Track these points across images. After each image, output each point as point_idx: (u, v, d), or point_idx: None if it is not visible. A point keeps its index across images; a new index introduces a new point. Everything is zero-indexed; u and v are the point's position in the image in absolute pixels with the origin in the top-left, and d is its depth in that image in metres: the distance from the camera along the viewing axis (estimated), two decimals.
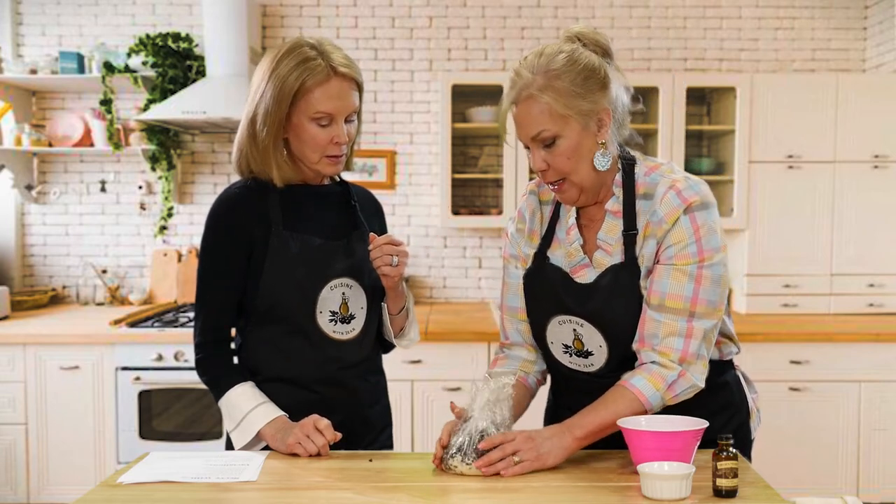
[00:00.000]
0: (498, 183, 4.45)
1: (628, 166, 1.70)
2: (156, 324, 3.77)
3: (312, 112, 1.74)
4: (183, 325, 3.74)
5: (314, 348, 1.82)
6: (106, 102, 4.19)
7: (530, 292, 1.79)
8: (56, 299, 4.52)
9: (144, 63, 4.20)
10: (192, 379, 3.64)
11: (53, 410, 3.70)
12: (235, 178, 1.90)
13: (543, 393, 1.93)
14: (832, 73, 4.34)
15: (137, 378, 3.67)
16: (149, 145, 4.25)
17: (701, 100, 4.44)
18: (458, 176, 4.26)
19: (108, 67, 4.13)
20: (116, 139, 4.24)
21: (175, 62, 4.22)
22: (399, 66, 4.49)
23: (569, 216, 1.76)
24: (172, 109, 3.88)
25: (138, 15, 4.47)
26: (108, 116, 4.22)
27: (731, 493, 1.43)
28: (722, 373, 1.79)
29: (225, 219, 1.81)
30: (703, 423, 1.54)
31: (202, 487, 1.54)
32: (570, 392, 1.82)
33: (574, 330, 1.71)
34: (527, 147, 1.68)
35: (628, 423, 1.56)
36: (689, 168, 4.13)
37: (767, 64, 4.50)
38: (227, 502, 1.48)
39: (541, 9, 4.47)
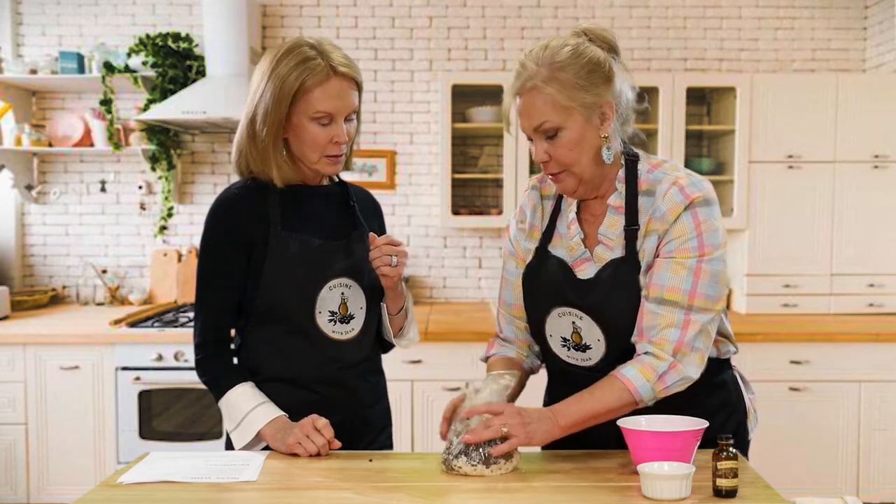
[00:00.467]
0: (498, 183, 4.45)
1: (631, 162, 1.71)
2: (156, 324, 3.77)
3: (312, 112, 1.74)
4: (183, 325, 3.74)
5: (314, 348, 1.82)
6: (106, 102, 4.19)
7: (531, 286, 1.80)
8: (56, 299, 4.52)
9: (144, 63, 4.20)
10: (192, 379, 3.64)
11: (53, 410, 3.70)
12: (235, 178, 1.90)
13: (539, 393, 1.93)
14: (832, 73, 4.34)
15: (137, 378, 3.67)
16: (149, 145, 4.25)
17: (701, 100, 4.44)
18: (458, 176, 4.26)
19: (108, 67, 4.13)
20: (116, 139, 4.24)
21: (175, 62, 4.22)
22: (399, 66, 4.49)
23: (570, 210, 1.77)
24: (172, 109, 3.88)
25: (138, 15, 4.47)
26: (108, 116, 4.22)
27: (731, 493, 1.43)
28: (719, 372, 1.79)
29: (224, 219, 1.81)
30: (703, 423, 1.55)
31: (202, 487, 1.54)
32: (567, 388, 1.82)
33: (573, 323, 1.72)
34: (530, 138, 1.69)
35: (628, 423, 1.56)
36: (688, 168, 4.12)
37: (767, 64, 4.50)
38: (227, 502, 1.48)
39: (541, 9, 4.47)
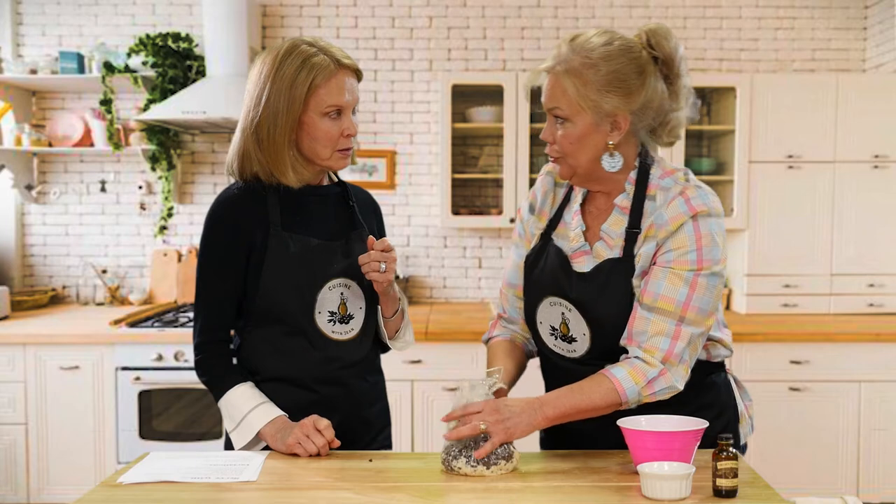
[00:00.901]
0: (498, 183, 4.45)
1: (645, 166, 1.71)
2: (156, 324, 3.77)
3: (324, 107, 1.75)
4: (183, 325, 3.74)
5: (313, 348, 1.82)
6: (106, 102, 4.19)
7: (530, 271, 1.81)
8: (56, 299, 4.52)
9: (144, 63, 4.21)
10: (192, 379, 3.64)
11: (53, 410, 3.70)
12: None
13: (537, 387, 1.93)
14: (832, 73, 4.34)
15: (137, 378, 3.67)
16: (149, 145, 4.25)
17: (701, 100, 4.44)
18: (458, 176, 4.26)
19: (108, 67, 4.13)
20: (116, 139, 4.24)
21: (175, 62, 4.22)
22: (399, 66, 4.49)
23: (575, 201, 1.78)
24: (172, 109, 3.88)
25: (138, 15, 4.47)
26: (108, 116, 4.22)
27: (731, 493, 1.43)
28: (709, 373, 1.79)
29: (224, 219, 1.81)
30: (703, 423, 1.55)
31: (202, 487, 1.54)
32: (553, 376, 1.83)
33: (562, 313, 1.72)
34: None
35: (628, 423, 1.56)
36: (688, 167, 4.12)
37: (767, 64, 4.50)
38: (227, 502, 1.48)
39: (541, 9, 4.47)
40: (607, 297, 1.67)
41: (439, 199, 4.27)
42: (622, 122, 1.64)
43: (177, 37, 4.27)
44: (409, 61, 4.49)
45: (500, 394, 1.73)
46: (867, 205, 4.08)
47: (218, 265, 1.81)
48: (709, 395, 1.78)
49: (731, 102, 4.13)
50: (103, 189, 4.51)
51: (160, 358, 3.68)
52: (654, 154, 1.75)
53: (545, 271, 1.76)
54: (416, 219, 4.53)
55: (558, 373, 1.79)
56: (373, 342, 1.95)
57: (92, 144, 4.36)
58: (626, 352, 1.66)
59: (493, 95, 4.21)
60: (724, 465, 1.43)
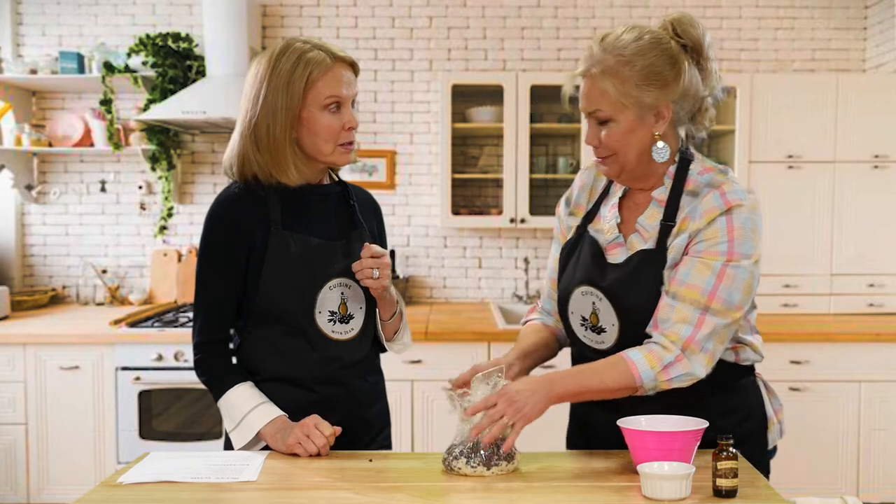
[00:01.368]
0: (498, 183, 4.44)
1: (685, 161, 1.72)
2: (156, 324, 3.77)
3: (322, 99, 1.75)
4: (183, 325, 3.74)
5: (313, 348, 1.82)
6: (106, 102, 4.19)
7: (565, 261, 1.83)
8: (56, 299, 4.52)
9: (144, 63, 4.21)
10: (192, 379, 3.64)
11: (53, 410, 3.70)
12: None
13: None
14: (832, 73, 4.34)
15: (137, 378, 3.67)
16: (149, 145, 4.25)
17: None
18: (458, 176, 4.26)
19: (108, 67, 4.13)
20: (116, 139, 4.24)
21: (175, 62, 4.22)
22: (399, 66, 4.49)
23: (615, 195, 1.80)
24: (172, 109, 3.88)
25: (138, 15, 4.47)
26: (108, 116, 4.22)
27: (731, 493, 1.43)
28: (738, 377, 1.78)
29: (224, 219, 1.81)
30: (702, 423, 1.55)
31: (202, 487, 1.54)
32: None
33: (593, 303, 1.73)
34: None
35: (628, 423, 1.56)
36: None
37: (767, 64, 4.50)
38: (227, 502, 1.48)
39: (541, 9, 4.47)
40: (638, 286, 1.67)
41: (439, 199, 4.27)
42: (665, 112, 1.65)
43: (177, 37, 4.27)
44: (409, 61, 4.49)
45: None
46: (867, 205, 4.08)
47: (218, 265, 1.81)
48: (735, 398, 1.77)
49: (731, 102, 4.13)
50: (103, 189, 4.51)
51: (160, 358, 3.68)
52: (692, 150, 1.76)
53: (579, 261, 1.77)
54: (416, 219, 4.52)
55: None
56: (372, 342, 1.95)
57: (92, 144, 4.36)
58: None
59: (493, 95, 4.21)
60: (724, 465, 1.43)
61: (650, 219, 1.71)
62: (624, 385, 1.60)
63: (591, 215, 1.83)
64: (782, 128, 4.08)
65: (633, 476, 1.54)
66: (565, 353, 2.00)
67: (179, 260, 4.48)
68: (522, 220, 4.17)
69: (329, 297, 1.81)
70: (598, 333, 1.74)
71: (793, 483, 3.56)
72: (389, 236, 3.96)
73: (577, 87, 1.73)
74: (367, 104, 4.44)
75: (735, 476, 1.43)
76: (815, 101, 4.06)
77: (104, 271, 4.50)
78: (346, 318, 1.84)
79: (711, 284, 1.60)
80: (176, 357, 3.67)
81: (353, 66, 1.82)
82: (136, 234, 4.52)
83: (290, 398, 1.81)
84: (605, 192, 1.84)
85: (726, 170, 1.73)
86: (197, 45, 4.33)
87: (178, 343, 3.65)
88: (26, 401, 3.70)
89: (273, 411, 1.77)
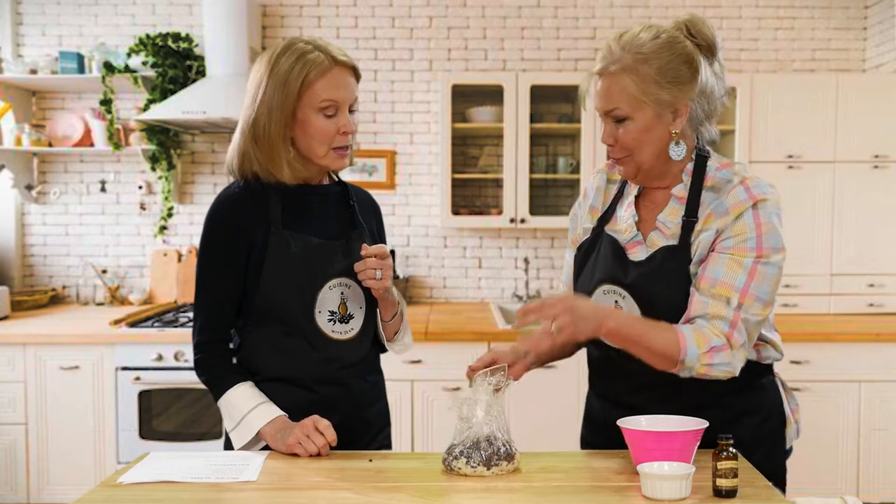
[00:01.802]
0: (498, 183, 4.44)
1: (702, 158, 1.73)
2: (156, 324, 3.77)
3: (318, 102, 1.75)
4: (183, 325, 3.74)
5: (313, 348, 1.81)
6: (106, 102, 4.19)
7: (582, 263, 1.83)
8: (56, 299, 4.52)
9: (144, 63, 4.21)
10: (192, 379, 3.63)
11: (53, 410, 3.70)
12: None
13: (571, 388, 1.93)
14: (832, 73, 4.34)
15: (137, 378, 3.67)
16: (149, 145, 4.25)
17: None
18: (458, 176, 4.26)
19: (108, 67, 4.13)
20: (116, 139, 4.24)
21: (175, 62, 4.22)
22: (399, 66, 4.49)
23: (630, 194, 1.80)
24: (172, 109, 3.88)
25: (138, 15, 4.47)
26: (108, 116, 4.22)
27: (731, 493, 1.43)
28: (759, 376, 1.79)
29: (224, 219, 1.81)
30: (702, 423, 1.55)
31: (202, 487, 1.54)
32: (602, 371, 1.83)
33: (616, 301, 1.73)
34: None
35: (628, 423, 1.56)
36: None
37: (767, 64, 4.50)
38: (227, 502, 1.48)
39: (541, 9, 4.47)
40: (663, 282, 1.67)
41: (439, 199, 4.27)
42: (682, 110, 1.66)
43: (177, 37, 4.27)
44: (409, 61, 4.49)
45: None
46: (867, 205, 4.08)
47: (218, 265, 1.81)
48: (756, 397, 1.78)
49: (731, 102, 4.13)
50: (103, 189, 4.51)
51: (160, 358, 3.68)
52: (708, 147, 1.76)
53: (598, 261, 1.77)
54: (416, 219, 4.52)
55: (607, 365, 1.80)
56: (373, 342, 1.95)
57: (92, 144, 4.36)
58: None
59: (493, 95, 4.21)
60: (724, 465, 1.43)
61: (671, 216, 1.71)
62: (667, 352, 1.59)
63: (606, 216, 1.83)
64: (782, 128, 4.08)
65: (633, 476, 1.54)
66: (571, 358, 2.00)
67: (179, 260, 4.48)
68: (522, 220, 4.17)
69: (329, 296, 1.81)
70: None
71: (793, 483, 3.55)
72: (389, 236, 3.96)
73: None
74: (367, 104, 4.44)
75: (735, 476, 1.43)
76: (815, 101, 4.06)
77: (104, 271, 4.50)
78: (345, 318, 1.84)
79: (744, 282, 1.61)
80: (176, 357, 3.67)
81: (354, 71, 1.81)
82: (136, 234, 4.52)
83: (289, 398, 1.81)
84: (620, 194, 1.84)
85: (744, 165, 1.74)
86: (197, 45, 4.33)
87: (178, 343, 3.65)
88: (26, 401, 3.70)
89: (273, 411, 1.77)
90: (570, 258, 1.91)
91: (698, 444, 1.53)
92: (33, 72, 4.17)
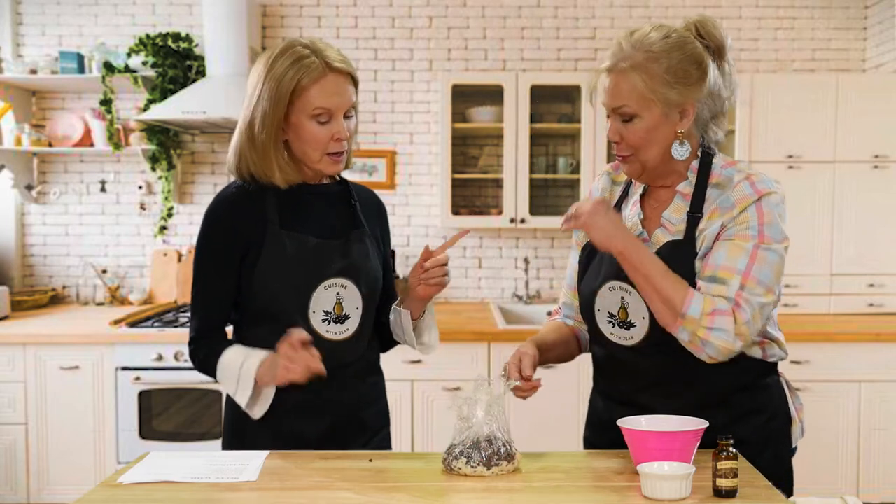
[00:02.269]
0: (498, 183, 4.44)
1: (707, 155, 1.73)
2: (156, 324, 3.77)
3: (311, 109, 1.74)
4: (183, 324, 3.74)
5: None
6: (106, 102, 4.19)
7: (589, 260, 1.83)
8: (56, 299, 4.52)
9: (144, 63, 4.21)
10: (192, 379, 3.65)
11: (53, 410, 3.70)
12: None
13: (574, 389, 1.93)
14: (832, 73, 4.34)
15: (137, 378, 3.67)
16: (149, 145, 4.25)
17: None
18: (458, 176, 4.26)
19: (108, 67, 4.13)
20: (116, 139, 4.24)
21: (175, 62, 4.22)
22: (399, 66, 4.49)
23: (635, 193, 1.81)
24: (172, 109, 3.88)
25: (138, 15, 4.47)
26: (108, 116, 4.22)
27: (731, 493, 1.43)
28: (764, 375, 1.78)
29: (221, 219, 1.81)
30: (702, 423, 1.54)
31: (202, 487, 1.54)
32: (608, 373, 1.83)
33: (622, 298, 1.73)
34: (608, 115, 1.72)
35: (628, 423, 1.56)
36: None
37: (767, 64, 4.50)
38: (227, 502, 1.48)
39: (541, 9, 4.47)
40: None
41: (439, 199, 4.27)
42: (690, 110, 1.67)
43: (177, 37, 4.27)
44: (409, 61, 4.49)
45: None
46: (867, 205, 4.08)
47: (214, 264, 1.82)
48: (762, 397, 1.77)
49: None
50: (103, 189, 4.51)
51: (160, 358, 3.68)
52: (714, 146, 1.77)
53: (604, 259, 1.77)
54: (416, 219, 4.53)
55: (613, 364, 1.79)
56: (371, 342, 1.94)
57: (92, 144, 4.36)
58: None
59: (493, 95, 4.21)
60: (724, 465, 1.43)
61: (676, 212, 1.72)
62: (672, 299, 1.58)
63: None
64: (782, 128, 4.08)
65: (633, 476, 1.54)
66: (578, 360, 2.00)
67: (179, 260, 4.48)
68: (522, 220, 4.17)
69: (324, 296, 1.80)
70: (627, 329, 1.73)
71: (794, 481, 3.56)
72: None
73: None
74: (368, 104, 4.44)
75: (735, 476, 1.43)
76: (815, 101, 4.06)
77: (104, 271, 4.50)
78: (341, 319, 1.83)
79: (745, 265, 1.61)
80: (176, 357, 3.67)
81: (352, 77, 1.79)
82: (136, 234, 4.52)
83: (284, 397, 1.80)
84: (625, 194, 1.85)
85: (748, 164, 1.75)
86: (197, 45, 4.33)
87: (178, 343, 3.65)
88: (26, 401, 3.70)
89: (261, 354, 1.75)
90: (575, 261, 1.91)
91: (698, 444, 1.53)
92: (33, 72, 4.17)
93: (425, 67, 4.49)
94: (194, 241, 1.90)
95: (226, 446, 1.88)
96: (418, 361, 3.66)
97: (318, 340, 1.80)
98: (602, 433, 1.86)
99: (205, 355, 1.82)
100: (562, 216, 1.77)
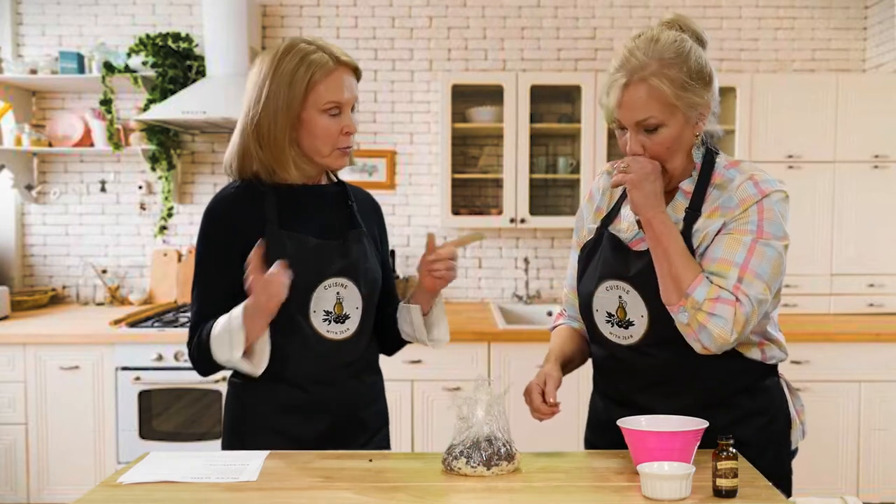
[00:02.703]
0: (498, 183, 4.44)
1: (710, 155, 1.73)
2: (156, 324, 3.77)
3: (323, 103, 1.75)
4: (183, 325, 3.74)
5: (307, 347, 1.81)
6: (106, 102, 4.19)
7: (587, 261, 1.83)
8: (56, 299, 4.52)
9: (144, 63, 4.21)
10: (192, 379, 3.65)
11: (53, 410, 3.70)
12: None
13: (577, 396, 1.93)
14: (832, 73, 4.34)
15: (137, 378, 3.67)
16: (149, 145, 4.25)
17: None
18: (458, 176, 4.26)
19: (108, 67, 4.13)
20: (116, 139, 4.24)
21: (175, 62, 4.22)
22: (399, 66, 4.49)
23: None
24: (172, 109, 3.89)
25: (138, 15, 4.47)
26: (108, 116, 4.22)
27: (731, 493, 1.43)
28: (763, 377, 1.78)
29: (221, 218, 1.81)
30: (702, 424, 1.54)
31: (202, 487, 1.54)
32: (607, 373, 1.83)
33: (619, 297, 1.73)
34: (621, 128, 1.69)
35: (628, 423, 1.56)
36: None
37: (767, 64, 4.50)
38: (227, 502, 1.48)
39: (541, 9, 4.47)
40: None
41: (439, 199, 4.27)
42: (705, 112, 1.67)
43: (177, 37, 4.27)
44: (409, 61, 4.49)
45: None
46: (867, 205, 4.08)
47: (213, 264, 1.82)
48: (762, 398, 1.77)
49: (731, 102, 4.13)
50: (103, 189, 4.51)
51: (160, 358, 3.68)
52: (716, 145, 1.77)
53: (601, 259, 1.77)
54: (416, 219, 4.53)
55: (612, 364, 1.79)
56: (371, 342, 1.94)
57: (92, 144, 4.36)
58: (683, 340, 1.64)
59: (493, 95, 4.21)
60: (724, 465, 1.43)
61: (676, 210, 1.71)
62: (681, 277, 1.59)
63: (610, 217, 1.83)
64: (782, 128, 4.08)
65: (633, 476, 1.54)
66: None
67: (179, 260, 4.48)
68: (522, 220, 4.17)
69: (324, 296, 1.81)
70: (626, 328, 1.73)
71: (793, 483, 3.56)
72: (389, 236, 3.95)
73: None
74: (367, 104, 4.44)
75: (735, 476, 1.43)
76: (815, 101, 4.06)
77: (104, 271, 4.51)
78: (341, 318, 1.83)
79: (743, 258, 1.61)
80: (176, 357, 3.67)
81: (356, 71, 1.82)
82: (136, 234, 4.52)
83: (283, 397, 1.80)
84: (625, 194, 1.83)
85: (751, 164, 1.75)
86: (197, 45, 4.34)
87: (178, 343, 3.66)
88: (26, 401, 3.70)
89: (241, 305, 1.71)
90: (575, 261, 1.91)
91: (698, 444, 1.53)
92: (33, 72, 4.17)
93: (425, 67, 4.49)
94: (194, 241, 1.89)
95: (226, 446, 1.88)
96: (418, 361, 3.66)
97: (318, 340, 1.81)
98: (602, 433, 1.86)
99: (198, 343, 1.79)
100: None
